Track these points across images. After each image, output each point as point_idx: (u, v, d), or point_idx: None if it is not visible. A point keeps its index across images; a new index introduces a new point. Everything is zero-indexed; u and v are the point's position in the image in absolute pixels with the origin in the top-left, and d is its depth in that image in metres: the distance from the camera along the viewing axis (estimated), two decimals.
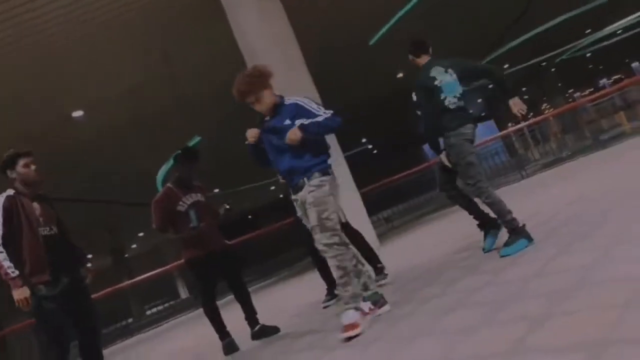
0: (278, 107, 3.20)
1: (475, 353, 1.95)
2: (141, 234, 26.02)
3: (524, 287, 2.54)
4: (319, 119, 3.07)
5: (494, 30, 15.47)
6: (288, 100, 3.22)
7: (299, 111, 3.14)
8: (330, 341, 3.02)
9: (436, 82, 3.59)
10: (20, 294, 3.06)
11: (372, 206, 10.23)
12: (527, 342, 1.86)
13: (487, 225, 3.76)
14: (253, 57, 8.00)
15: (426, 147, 33.15)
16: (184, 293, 33.42)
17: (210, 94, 10.99)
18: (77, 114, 10.40)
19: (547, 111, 30.26)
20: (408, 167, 13.52)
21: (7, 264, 3.07)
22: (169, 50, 9.14)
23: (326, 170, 3.14)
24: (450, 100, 3.58)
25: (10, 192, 3.27)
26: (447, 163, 3.67)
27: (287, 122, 3.12)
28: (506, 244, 3.36)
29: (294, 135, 3.02)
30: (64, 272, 3.27)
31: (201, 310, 4.14)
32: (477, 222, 3.85)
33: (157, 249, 28.52)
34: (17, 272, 3.08)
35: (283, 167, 3.18)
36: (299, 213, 3.26)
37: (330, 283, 4.37)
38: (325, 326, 3.49)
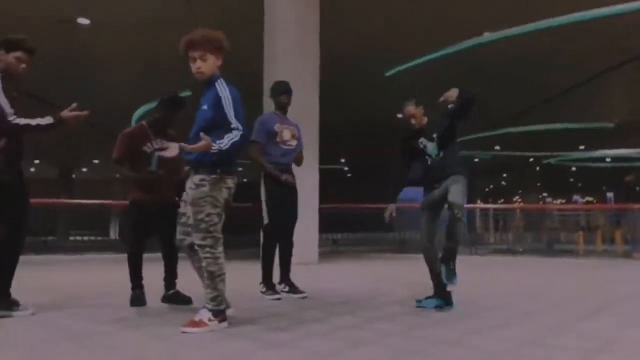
0: (209, 83, 3.04)
1: None
2: (96, 161, 25.43)
3: (434, 349, 2.60)
4: (225, 142, 2.85)
5: (497, 113, 15.85)
6: (218, 85, 3.00)
7: (216, 105, 2.95)
8: (240, 330, 3.01)
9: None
10: None
11: (326, 224, 10.27)
12: None
13: (439, 289, 3.80)
14: (273, 31, 8.03)
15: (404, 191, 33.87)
16: (112, 233, 32.71)
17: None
18: (84, 21, 10.13)
19: (517, 203, 31.11)
20: (373, 201, 13.70)
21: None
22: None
23: (213, 169, 2.96)
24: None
25: None
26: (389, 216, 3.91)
27: (205, 106, 3.03)
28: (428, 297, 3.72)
29: (199, 148, 2.83)
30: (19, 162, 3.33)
31: (124, 256, 4.06)
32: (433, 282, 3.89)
33: (103, 182, 27.86)
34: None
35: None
36: None
37: (283, 272, 4.39)
38: (242, 313, 3.48)
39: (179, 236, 3.22)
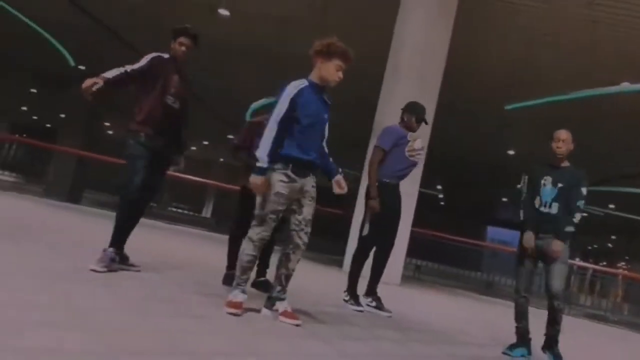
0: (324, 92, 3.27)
1: None
2: (206, 143, 26.94)
3: None
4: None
5: (616, 169, 14.67)
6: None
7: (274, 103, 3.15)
8: (316, 329, 3.05)
9: None
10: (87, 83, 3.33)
11: (412, 249, 10.09)
12: None
13: (524, 340, 3.68)
14: (398, 50, 8.06)
15: (491, 229, 32.33)
16: (205, 212, 34.48)
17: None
18: (224, 12, 10.79)
19: (621, 269, 28.51)
20: (463, 235, 13.25)
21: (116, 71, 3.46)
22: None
23: None
24: (578, 216, 3.66)
25: (162, 55, 3.66)
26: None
27: (326, 115, 3.26)
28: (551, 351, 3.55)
29: None
30: (164, 138, 3.64)
31: (215, 235, 4.25)
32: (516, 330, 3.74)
33: (207, 163, 29.47)
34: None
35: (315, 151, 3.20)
36: (280, 191, 3.05)
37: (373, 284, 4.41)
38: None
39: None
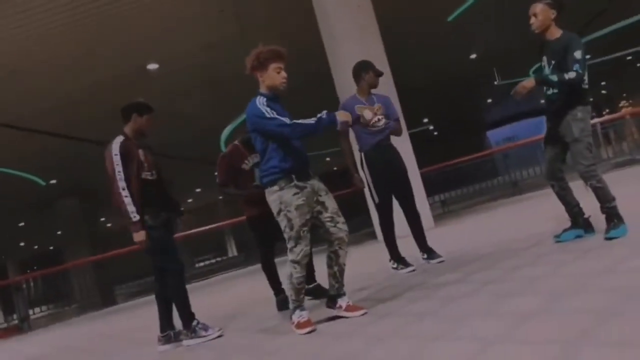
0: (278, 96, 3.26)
1: (536, 337, 1.95)
2: (198, 190, 26.93)
3: (589, 281, 2.49)
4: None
5: (579, 18, 14.61)
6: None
7: None
8: (383, 309, 3.08)
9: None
10: (139, 236, 3.45)
11: (430, 188, 10.12)
12: (592, 334, 1.84)
13: (577, 220, 3.62)
14: (325, 18, 8.00)
15: (491, 133, 32.29)
16: (230, 251, 34.54)
17: None
18: (153, 66, 10.76)
19: (624, 109, 28.52)
20: (468, 152, 13.25)
21: (131, 208, 3.43)
22: (240, 11, 9.23)
23: None
24: (570, 75, 3.31)
25: (121, 138, 3.62)
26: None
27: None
28: (613, 227, 3.31)
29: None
30: (163, 210, 3.69)
31: (248, 268, 4.30)
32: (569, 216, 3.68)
33: (211, 206, 29.50)
34: (138, 217, 3.44)
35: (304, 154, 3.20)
36: (299, 203, 3.03)
37: (418, 241, 4.44)
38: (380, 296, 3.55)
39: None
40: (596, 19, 14.82)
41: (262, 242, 4.16)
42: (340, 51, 7.74)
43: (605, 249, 3.08)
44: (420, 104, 19.64)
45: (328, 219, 3.12)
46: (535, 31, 3.49)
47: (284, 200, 3.00)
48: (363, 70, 4.32)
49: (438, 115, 25.49)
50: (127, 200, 3.42)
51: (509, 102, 25.28)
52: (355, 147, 4.37)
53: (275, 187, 3.03)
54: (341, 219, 3.15)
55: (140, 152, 3.65)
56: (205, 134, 14.70)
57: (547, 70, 3.49)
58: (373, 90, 4.36)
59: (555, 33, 3.46)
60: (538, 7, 3.44)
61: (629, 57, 22.62)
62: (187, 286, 3.81)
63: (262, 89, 3.16)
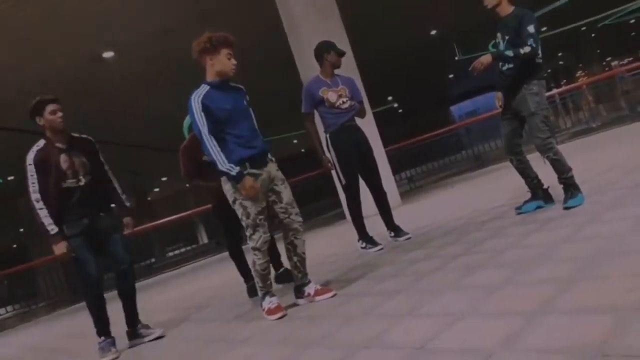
0: (228, 81, 3.18)
1: (502, 309, 2.00)
2: (164, 179, 26.50)
3: (550, 251, 2.56)
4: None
5: None
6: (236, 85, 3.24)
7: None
8: (353, 289, 3.11)
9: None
10: (58, 249, 3.26)
11: (396, 165, 10.22)
12: (555, 303, 1.89)
13: (536, 191, 3.70)
14: (284, 1, 7.89)
15: (454, 108, 32.75)
16: (201, 239, 34.24)
17: (241, 41, 10.89)
18: (108, 54, 10.43)
19: (581, 79, 29.31)
20: (433, 128, 13.42)
21: (47, 221, 3.24)
22: None
23: None
24: (525, 49, 3.34)
25: (41, 143, 3.37)
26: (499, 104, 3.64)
27: (245, 102, 3.19)
28: (570, 197, 3.40)
29: None
30: (86, 217, 3.39)
31: (220, 255, 4.27)
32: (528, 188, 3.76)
33: (179, 194, 29.10)
34: (56, 229, 3.24)
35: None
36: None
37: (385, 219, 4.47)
38: (350, 276, 3.58)
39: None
40: None
41: (228, 231, 4.12)
42: (300, 32, 7.66)
43: (564, 219, 3.18)
44: (383, 82, 19.71)
45: (282, 210, 3.11)
46: (487, 7, 3.53)
47: (238, 189, 2.97)
48: (325, 51, 4.28)
49: (402, 92, 25.66)
50: (42, 212, 3.24)
51: (470, 77, 25.63)
52: (320, 128, 4.36)
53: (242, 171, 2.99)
54: (294, 210, 3.13)
55: (63, 157, 3.36)
56: (168, 121, 14.40)
57: (501, 46, 3.53)
58: (337, 71, 4.34)
59: (508, 9, 3.51)
60: None
61: (583, 28, 23.13)
62: (160, 276, 3.74)
63: (210, 76, 3.09)
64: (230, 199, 3.04)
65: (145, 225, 13.11)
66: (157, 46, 10.54)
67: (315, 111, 4.28)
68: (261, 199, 3.01)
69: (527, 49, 3.30)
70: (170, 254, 23.52)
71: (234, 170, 2.91)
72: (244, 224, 3.04)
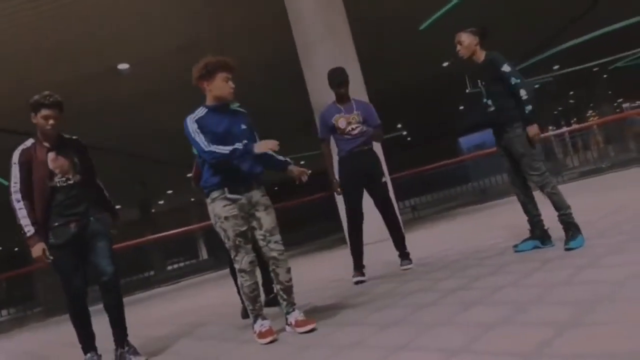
0: (227, 104, 3.22)
1: (497, 349, 1.97)
2: (170, 192, 26.57)
3: (548, 292, 2.53)
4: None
5: (549, 28, 14.98)
6: (239, 108, 3.31)
7: (250, 126, 3.28)
8: (348, 317, 3.07)
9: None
10: (35, 251, 3.13)
11: (401, 193, 10.20)
12: (551, 346, 1.86)
13: (535, 231, 3.71)
14: (298, 21, 7.99)
15: (463, 140, 32.82)
16: (201, 255, 34.09)
17: (256, 60, 11.05)
18: (123, 66, 10.57)
19: (592, 119, 29.35)
20: (441, 158, 13.42)
21: (25, 222, 3.15)
22: (217, 12, 9.16)
23: None
24: (522, 92, 3.49)
25: (28, 142, 3.30)
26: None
27: (244, 126, 3.19)
28: (572, 238, 3.40)
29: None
30: (75, 221, 3.27)
31: (219, 272, 4.25)
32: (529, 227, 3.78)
33: (182, 208, 29.13)
34: (32, 230, 3.13)
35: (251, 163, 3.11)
36: (228, 215, 3.00)
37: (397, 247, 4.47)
38: (347, 302, 3.55)
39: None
40: (565, 31, 15.22)
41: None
42: (313, 57, 7.74)
43: (565, 260, 3.15)
44: (394, 110, 19.80)
45: (261, 237, 3.08)
46: (463, 57, 3.73)
47: (216, 213, 3.00)
48: (330, 85, 4.38)
49: (412, 121, 25.75)
50: (21, 212, 3.15)
51: (479, 110, 25.68)
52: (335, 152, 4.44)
53: (209, 200, 3.06)
54: (274, 238, 3.07)
55: (51, 155, 3.25)
56: (178, 136, 14.51)
57: (483, 92, 3.69)
58: (356, 97, 4.43)
59: (481, 55, 3.70)
60: (462, 36, 3.73)
61: (596, 69, 23.24)
62: (159, 290, 3.70)
63: (209, 101, 3.12)
64: (212, 221, 3.07)
65: (148, 238, 13.13)
66: (171, 62, 10.67)
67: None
68: (239, 224, 3.01)
69: (522, 93, 3.45)
70: (170, 267, 23.41)
71: (240, 145, 2.96)
72: (226, 246, 3.05)
